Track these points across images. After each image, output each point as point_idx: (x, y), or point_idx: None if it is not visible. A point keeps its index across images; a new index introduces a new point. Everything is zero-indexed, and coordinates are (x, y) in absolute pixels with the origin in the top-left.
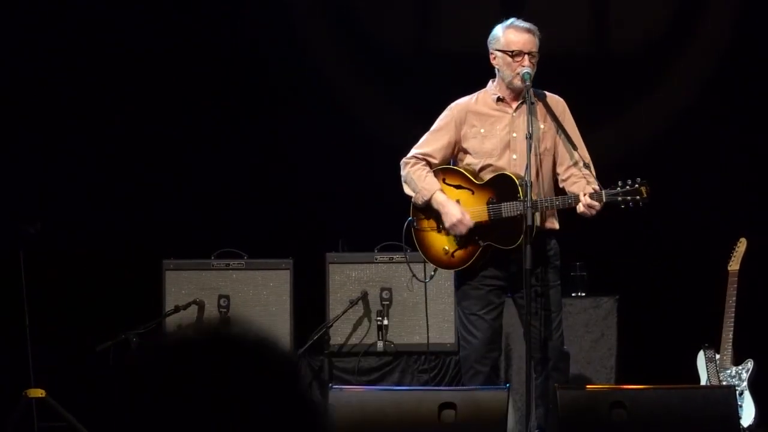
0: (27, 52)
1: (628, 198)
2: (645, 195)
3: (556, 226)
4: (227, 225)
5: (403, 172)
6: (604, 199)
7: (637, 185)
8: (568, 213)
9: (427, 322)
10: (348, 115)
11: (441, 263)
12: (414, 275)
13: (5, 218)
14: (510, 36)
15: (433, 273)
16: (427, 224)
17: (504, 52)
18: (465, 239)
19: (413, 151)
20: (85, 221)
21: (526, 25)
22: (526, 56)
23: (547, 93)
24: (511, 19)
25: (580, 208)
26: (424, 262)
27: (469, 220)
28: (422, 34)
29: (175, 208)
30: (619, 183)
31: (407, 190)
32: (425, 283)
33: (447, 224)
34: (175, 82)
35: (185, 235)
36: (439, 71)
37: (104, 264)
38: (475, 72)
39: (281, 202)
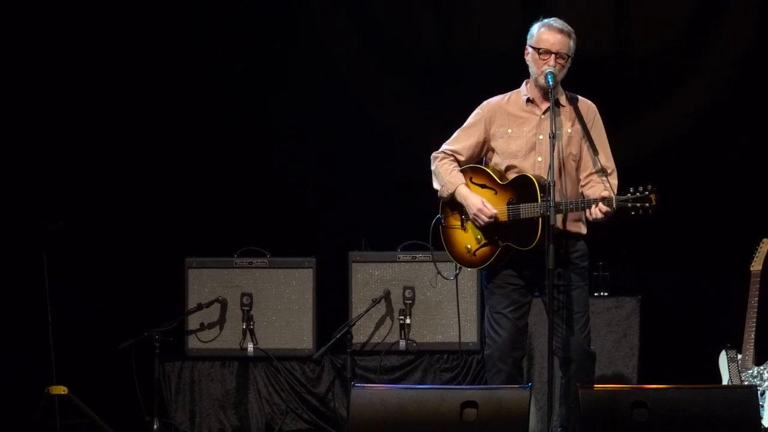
0: (51, 52)
1: (638, 205)
2: (654, 202)
3: (583, 230)
4: (251, 223)
5: (432, 166)
6: (614, 205)
7: (647, 192)
8: None
9: (459, 320)
10: (372, 115)
11: (464, 261)
12: (439, 272)
13: (29, 217)
14: (542, 34)
15: (457, 271)
16: (454, 222)
17: (534, 48)
18: (486, 239)
19: (443, 146)
20: (108, 219)
21: (561, 26)
22: (553, 56)
23: (579, 97)
24: (551, 19)
25: (592, 212)
26: (454, 262)
27: (491, 210)
28: (447, 34)
29: (199, 207)
30: (630, 189)
31: (435, 183)
32: (452, 280)
33: (470, 215)
34: (197, 79)
35: (208, 233)
36: (464, 71)
37: (127, 261)
38: (499, 72)
39: (305, 200)
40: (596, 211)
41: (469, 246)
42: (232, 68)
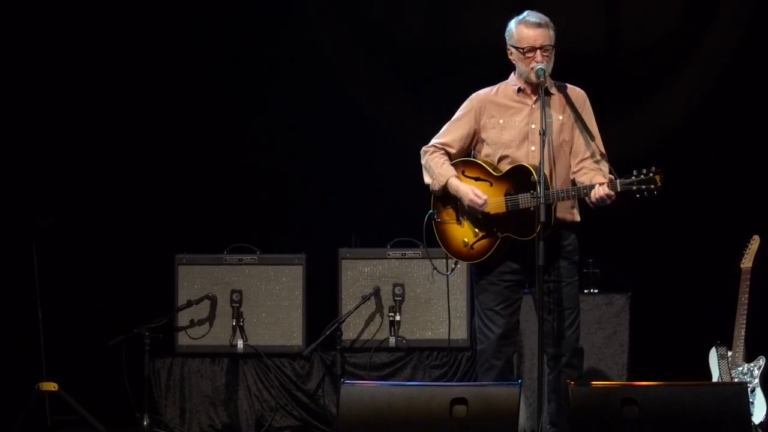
0: (46, 49)
1: (643, 187)
2: (659, 184)
3: (577, 218)
4: (240, 220)
5: (422, 161)
6: (619, 189)
7: (651, 174)
8: (583, 207)
9: (449, 315)
10: (362, 111)
11: (461, 255)
12: (435, 268)
13: (19, 212)
14: (522, 32)
15: (454, 266)
16: (447, 216)
17: (517, 48)
18: (484, 231)
19: (433, 141)
20: (98, 215)
21: (537, 19)
22: (539, 51)
23: (568, 85)
24: (525, 13)
25: (596, 194)
26: (446, 256)
27: (482, 196)
28: (437, 30)
29: (189, 203)
30: (634, 172)
31: (426, 178)
32: (448, 274)
33: (465, 205)
34: (188, 77)
35: (198, 230)
36: (454, 66)
37: (117, 258)
38: (489, 68)
39: (294, 197)
40: (600, 191)
41: (466, 239)
42: (222, 67)
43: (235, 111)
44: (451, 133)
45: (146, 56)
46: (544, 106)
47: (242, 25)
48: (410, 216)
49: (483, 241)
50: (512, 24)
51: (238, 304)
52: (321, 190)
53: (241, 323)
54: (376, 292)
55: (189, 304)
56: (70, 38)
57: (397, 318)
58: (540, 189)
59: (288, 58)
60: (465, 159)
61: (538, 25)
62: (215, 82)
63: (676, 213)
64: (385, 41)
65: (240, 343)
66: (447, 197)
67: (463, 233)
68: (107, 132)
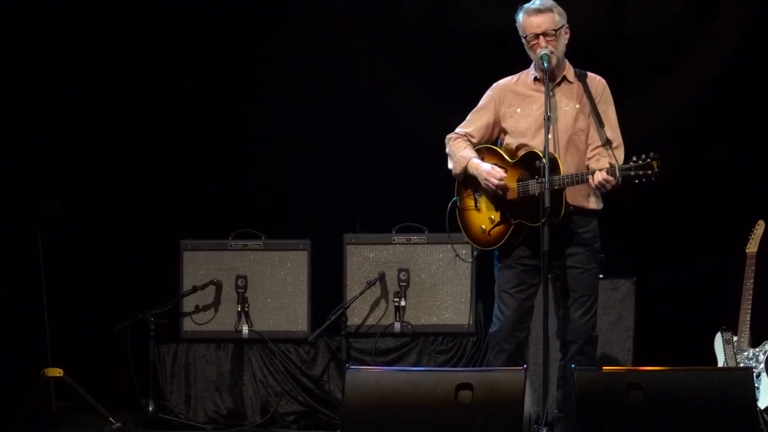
0: (48, 37)
1: (640, 173)
2: (656, 169)
3: (594, 205)
4: (245, 206)
5: (447, 149)
6: (618, 174)
7: (648, 160)
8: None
9: (472, 302)
10: (366, 97)
11: (480, 242)
12: (458, 255)
13: (24, 198)
14: (524, 21)
15: (476, 253)
16: (469, 203)
17: (523, 37)
18: (499, 218)
19: (457, 129)
20: (103, 201)
21: (538, 5)
22: (541, 38)
23: (588, 73)
24: (529, 3)
25: (595, 179)
26: (469, 243)
27: (500, 172)
28: (441, 15)
29: (194, 189)
30: (633, 158)
31: (449, 163)
32: (470, 262)
33: (481, 181)
34: (193, 61)
35: (203, 216)
36: (458, 53)
37: (122, 244)
38: (493, 54)
39: (299, 183)
40: (598, 176)
41: (483, 226)
42: (228, 53)
43: (239, 98)
44: (472, 124)
45: (150, 43)
46: (549, 91)
47: (246, 12)
48: (415, 201)
49: (498, 228)
50: (518, 14)
51: (243, 290)
52: (326, 175)
53: (246, 309)
54: (381, 278)
55: (194, 289)
56: (71, 38)
57: (402, 303)
58: (546, 174)
59: (292, 45)
60: (486, 146)
61: (539, 11)
62: (220, 69)
63: (682, 198)
64: (391, 29)
65: (245, 329)
66: (469, 183)
67: (481, 219)
68: (113, 122)
